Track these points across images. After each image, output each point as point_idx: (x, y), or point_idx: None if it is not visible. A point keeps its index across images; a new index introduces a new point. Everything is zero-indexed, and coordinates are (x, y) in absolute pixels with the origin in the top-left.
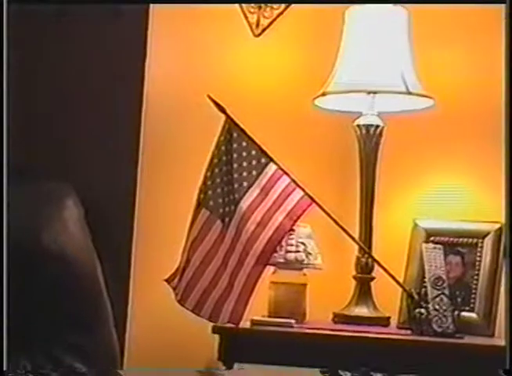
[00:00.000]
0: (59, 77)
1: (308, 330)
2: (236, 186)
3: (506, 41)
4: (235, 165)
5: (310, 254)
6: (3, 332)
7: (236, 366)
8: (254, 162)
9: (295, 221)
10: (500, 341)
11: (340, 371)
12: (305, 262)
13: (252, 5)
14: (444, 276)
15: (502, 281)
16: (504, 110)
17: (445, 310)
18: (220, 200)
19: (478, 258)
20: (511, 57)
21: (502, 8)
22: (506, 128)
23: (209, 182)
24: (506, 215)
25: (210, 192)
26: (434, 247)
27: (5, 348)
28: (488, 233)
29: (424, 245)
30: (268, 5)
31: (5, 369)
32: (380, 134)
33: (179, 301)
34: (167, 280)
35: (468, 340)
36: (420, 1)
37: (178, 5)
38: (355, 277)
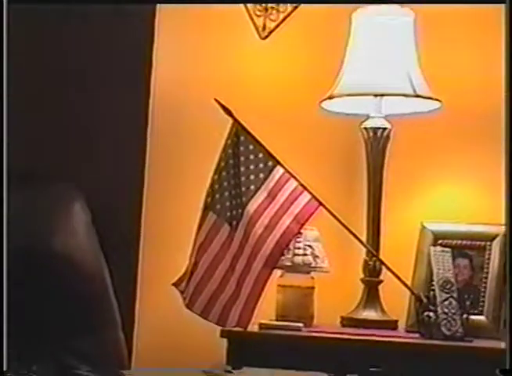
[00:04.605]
0: (63, 78)
1: (315, 334)
2: (243, 189)
3: (506, 41)
4: (242, 168)
5: (317, 257)
6: (3, 332)
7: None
8: (261, 165)
9: (302, 224)
10: None
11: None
12: (313, 265)
13: (258, 7)
14: (452, 280)
15: None
16: (504, 112)
17: (453, 313)
18: (227, 204)
19: (487, 261)
20: (511, 57)
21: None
22: (507, 129)
23: (216, 186)
24: (507, 216)
25: (217, 195)
26: (442, 250)
27: (5, 348)
28: (496, 236)
29: (432, 248)
30: (275, 7)
31: (5, 369)
32: (388, 136)
33: (187, 306)
34: (174, 284)
35: (477, 343)
36: (423, 2)
37: (186, 8)
38: (362, 280)
